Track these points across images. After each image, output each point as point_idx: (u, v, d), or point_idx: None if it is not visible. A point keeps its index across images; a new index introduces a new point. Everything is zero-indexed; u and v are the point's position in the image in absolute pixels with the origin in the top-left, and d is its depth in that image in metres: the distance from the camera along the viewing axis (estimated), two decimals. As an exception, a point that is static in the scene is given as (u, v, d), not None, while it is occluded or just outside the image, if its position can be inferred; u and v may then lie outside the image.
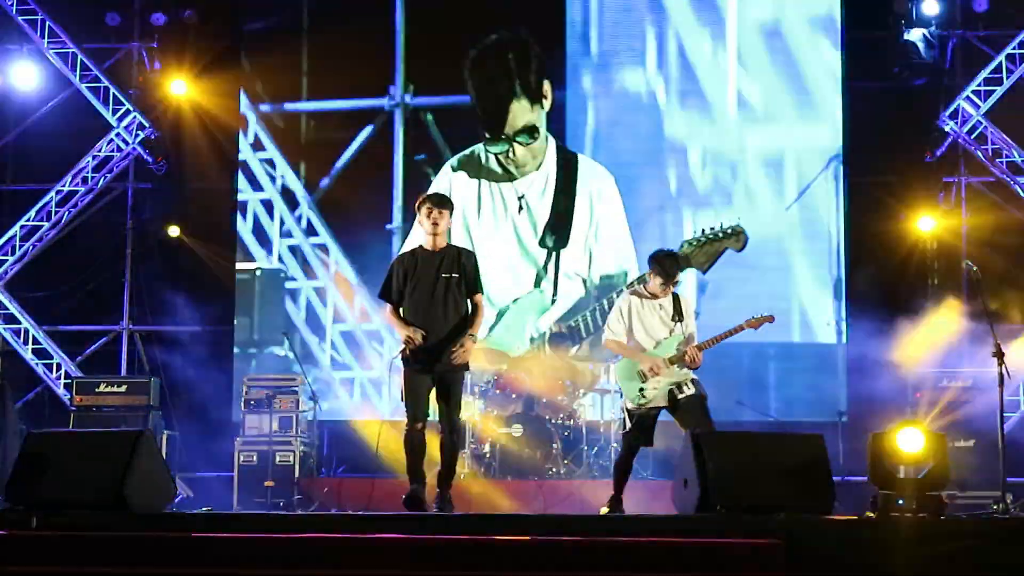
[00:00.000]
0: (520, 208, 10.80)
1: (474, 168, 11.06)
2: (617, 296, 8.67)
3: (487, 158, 11.05)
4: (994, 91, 11.54)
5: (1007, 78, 11.52)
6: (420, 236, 7.48)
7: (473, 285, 7.33)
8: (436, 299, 7.22)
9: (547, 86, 11.15)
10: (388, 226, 11.47)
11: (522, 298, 10.91)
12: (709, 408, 7.75)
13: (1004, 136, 11.51)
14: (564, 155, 11.06)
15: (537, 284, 10.88)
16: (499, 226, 10.99)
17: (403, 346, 7.25)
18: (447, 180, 11.08)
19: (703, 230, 10.62)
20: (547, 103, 11.14)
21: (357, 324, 11.36)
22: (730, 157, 11.50)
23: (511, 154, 10.87)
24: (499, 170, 11.04)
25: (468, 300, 7.34)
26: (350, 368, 11.31)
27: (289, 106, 11.60)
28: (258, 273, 11.53)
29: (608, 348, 8.08)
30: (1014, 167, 11.54)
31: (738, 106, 11.50)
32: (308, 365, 10.85)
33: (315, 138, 11.55)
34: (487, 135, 10.97)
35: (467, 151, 11.15)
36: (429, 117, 11.32)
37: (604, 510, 7.76)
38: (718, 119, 11.53)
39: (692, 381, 7.78)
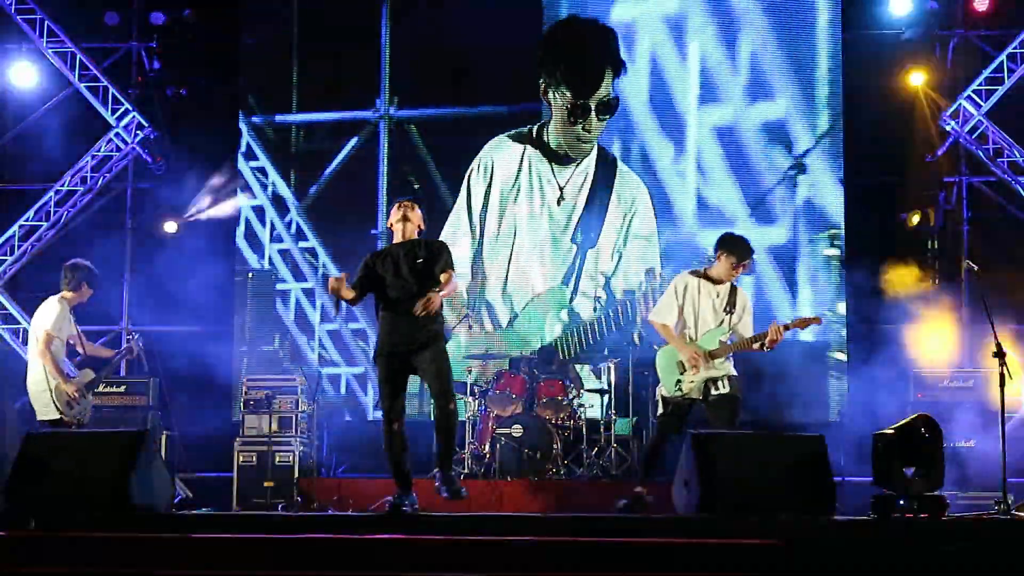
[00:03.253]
0: (560, 200, 11.14)
1: (521, 146, 11.46)
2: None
3: (541, 139, 11.35)
4: (995, 91, 11.53)
5: (1008, 78, 11.51)
6: None
7: (443, 264, 7.22)
8: (407, 287, 7.15)
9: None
10: (373, 231, 11.95)
11: (545, 293, 11.28)
12: (739, 410, 7.72)
13: (1005, 136, 11.50)
14: (604, 156, 11.43)
15: (565, 281, 11.28)
16: (534, 215, 11.41)
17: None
18: (491, 148, 11.52)
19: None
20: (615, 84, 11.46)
21: (344, 323, 11.89)
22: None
23: (586, 126, 11.20)
24: (545, 158, 11.37)
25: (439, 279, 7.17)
26: (337, 365, 11.77)
27: (280, 117, 12.12)
28: (250, 275, 11.94)
29: (652, 325, 7.98)
30: (1015, 167, 11.54)
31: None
32: (297, 363, 11.42)
33: (304, 148, 12.08)
34: (576, 100, 11.22)
35: (516, 131, 11.53)
36: (412, 128, 11.84)
37: (622, 503, 7.72)
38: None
39: (729, 379, 7.70)
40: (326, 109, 11.94)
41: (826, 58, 11.47)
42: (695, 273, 7.85)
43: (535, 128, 11.56)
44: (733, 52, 11.58)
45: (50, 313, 8.54)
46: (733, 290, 7.78)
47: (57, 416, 8.45)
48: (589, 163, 11.40)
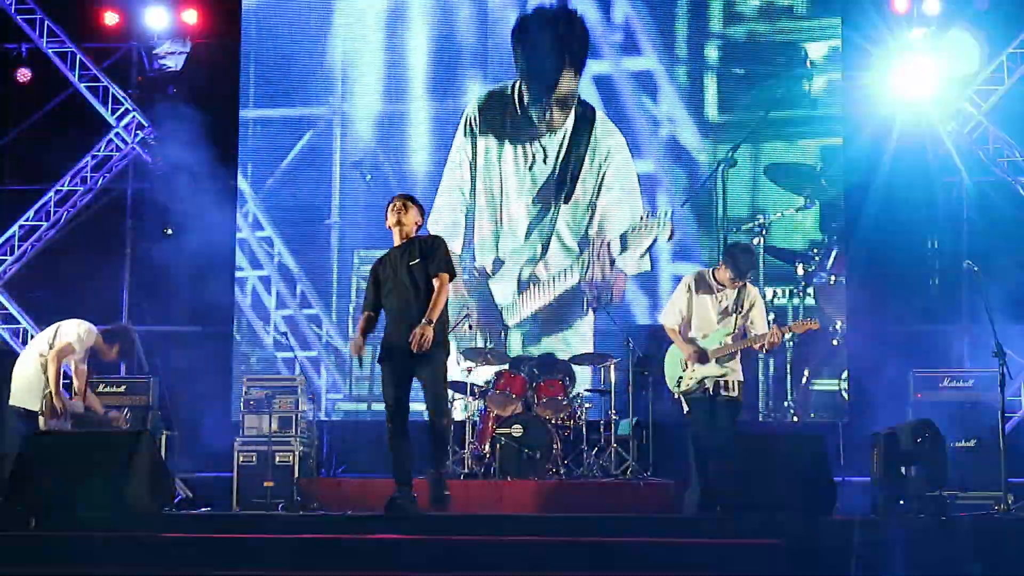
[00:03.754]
0: (544, 158, 11.50)
1: (503, 108, 11.81)
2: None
3: (520, 103, 11.72)
4: (995, 91, 11.52)
5: (1008, 78, 11.50)
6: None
7: (435, 265, 7.27)
8: (406, 290, 7.26)
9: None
10: (327, 221, 12.26)
11: (516, 249, 11.62)
12: (738, 417, 7.73)
13: (1005, 136, 11.50)
14: (584, 111, 11.68)
15: (540, 235, 11.63)
16: (519, 173, 11.78)
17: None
18: (475, 106, 11.87)
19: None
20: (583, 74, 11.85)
21: (298, 309, 12.24)
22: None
23: (547, 115, 11.59)
24: (526, 120, 11.75)
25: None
26: (291, 349, 11.94)
27: (241, 113, 12.34)
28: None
29: (662, 326, 8.02)
30: (1015, 167, 11.53)
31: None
32: (253, 346, 11.93)
33: (260, 142, 12.39)
34: (535, 96, 11.66)
35: (496, 88, 11.84)
36: (364, 124, 12.23)
37: None
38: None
39: (738, 383, 7.72)
40: (281, 105, 12.28)
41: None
42: (702, 275, 7.87)
43: (518, 86, 11.81)
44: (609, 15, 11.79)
45: (79, 331, 8.60)
46: (742, 289, 7.76)
47: (37, 409, 8.45)
48: (568, 122, 11.66)
